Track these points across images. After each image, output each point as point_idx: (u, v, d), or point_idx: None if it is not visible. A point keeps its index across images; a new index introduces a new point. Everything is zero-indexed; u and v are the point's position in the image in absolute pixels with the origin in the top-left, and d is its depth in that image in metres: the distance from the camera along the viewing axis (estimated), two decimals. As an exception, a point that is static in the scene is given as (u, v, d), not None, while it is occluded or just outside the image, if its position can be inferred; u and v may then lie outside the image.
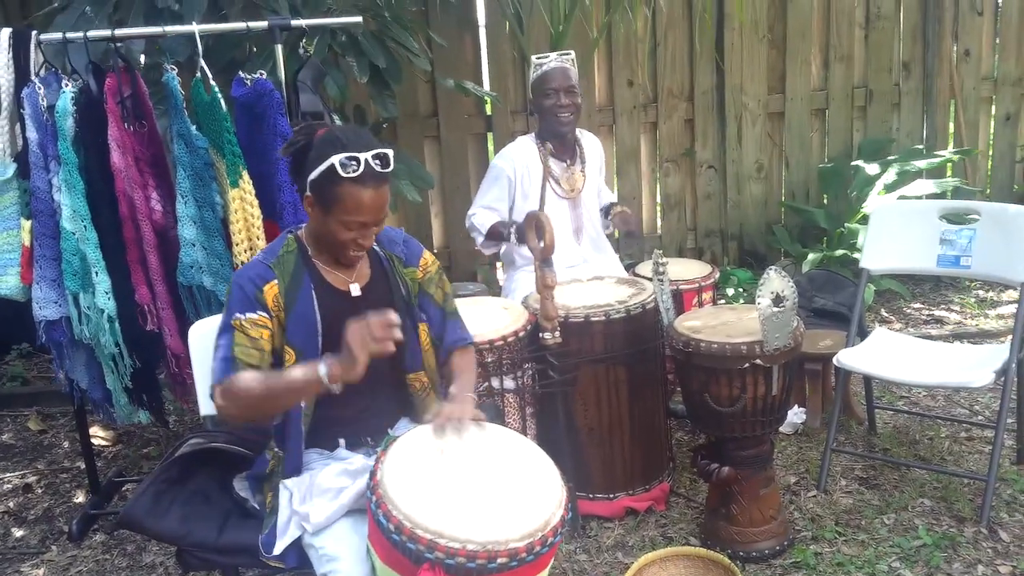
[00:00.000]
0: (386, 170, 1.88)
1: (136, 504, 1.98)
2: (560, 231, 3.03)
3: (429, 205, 4.78)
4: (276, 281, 1.93)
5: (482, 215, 3.34)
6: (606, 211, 3.52)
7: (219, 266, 2.80)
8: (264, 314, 1.90)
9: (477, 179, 4.63)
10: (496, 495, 1.74)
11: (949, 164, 4.92)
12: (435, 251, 4.81)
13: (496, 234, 3.29)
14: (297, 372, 1.84)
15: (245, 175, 2.70)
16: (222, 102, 2.70)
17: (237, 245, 2.73)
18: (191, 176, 2.74)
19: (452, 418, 1.87)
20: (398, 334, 1.75)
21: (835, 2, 4.89)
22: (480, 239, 3.36)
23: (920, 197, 4.40)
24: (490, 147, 4.89)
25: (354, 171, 1.83)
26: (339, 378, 1.76)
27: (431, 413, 1.92)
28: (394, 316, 1.75)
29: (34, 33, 2.72)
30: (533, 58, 3.34)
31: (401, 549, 1.63)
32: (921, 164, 4.73)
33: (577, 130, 3.42)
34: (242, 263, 2.72)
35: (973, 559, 2.56)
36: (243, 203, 2.71)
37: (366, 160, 1.84)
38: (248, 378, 1.84)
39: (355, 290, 2.02)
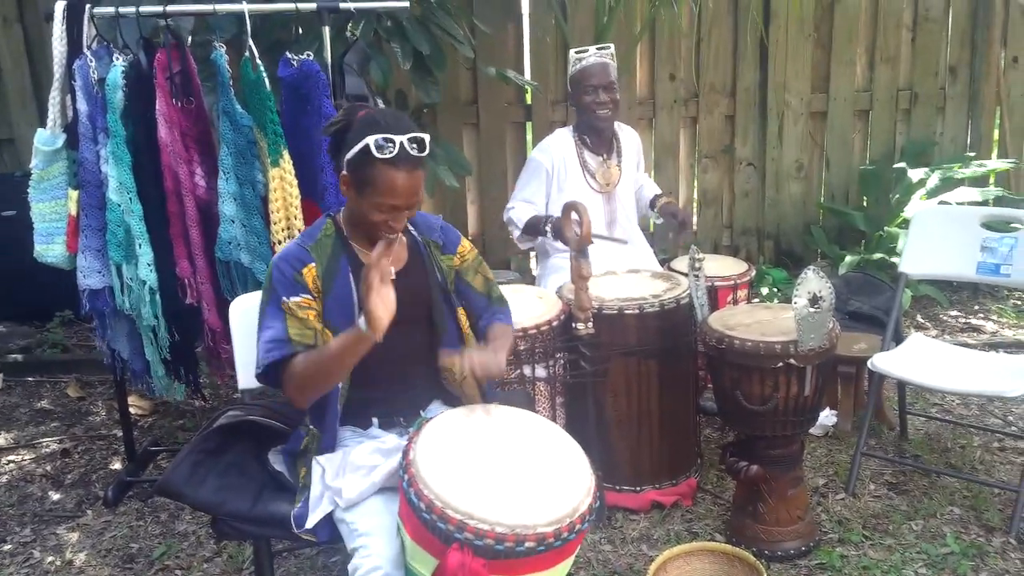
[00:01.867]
0: (421, 154, 1.88)
1: (174, 473, 2.01)
2: (593, 225, 3.03)
3: (465, 192, 4.80)
4: (314, 264, 1.96)
5: (520, 209, 3.34)
6: (653, 204, 3.51)
7: (257, 244, 2.83)
8: (307, 296, 1.94)
9: (514, 168, 4.64)
10: (526, 480, 1.75)
11: (992, 172, 4.85)
12: (470, 238, 4.81)
13: (533, 228, 3.28)
14: (338, 337, 1.87)
15: (286, 154, 2.73)
16: (267, 81, 2.74)
17: (275, 224, 2.76)
18: (234, 153, 2.77)
19: (480, 364, 1.89)
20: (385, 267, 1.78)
21: (883, 3, 4.84)
22: (517, 233, 3.36)
23: (962, 204, 4.34)
24: (529, 137, 4.89)
25: (389, 152, 1.84)
26: (373, 324, 1.76)
27: (456, 357, 1.93)
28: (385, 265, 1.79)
29: (88, 6, 2.76)
30: (572, 52, 3.33)
31: (431, 528, 1.65)
32: (966, 172, 4.67)
33: (615, 123, 3.41)
34: (279, 242, 2.76)
35: (1000, 569, 2.54)
36: (283, 182, 2.74)
37: (401, 143, 1.85)
38: (299, 360, 1.88)
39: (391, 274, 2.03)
